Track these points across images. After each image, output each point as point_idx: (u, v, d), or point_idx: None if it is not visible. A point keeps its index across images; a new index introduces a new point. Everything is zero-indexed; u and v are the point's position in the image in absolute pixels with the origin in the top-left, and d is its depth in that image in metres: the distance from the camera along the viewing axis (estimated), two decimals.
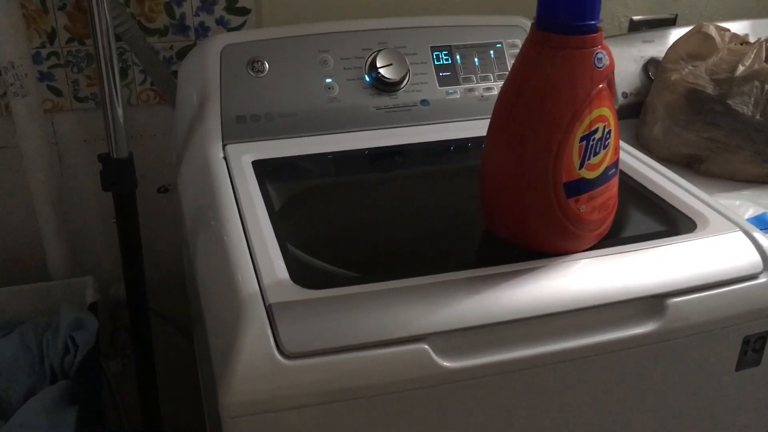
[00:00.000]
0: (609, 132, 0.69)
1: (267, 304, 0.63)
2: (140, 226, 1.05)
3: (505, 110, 0.69)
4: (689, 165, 1.05)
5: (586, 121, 0.67)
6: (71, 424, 0.86)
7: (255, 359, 0.60)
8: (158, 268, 1.25)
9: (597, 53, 0.66)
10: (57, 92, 1.13)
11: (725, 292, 0.72)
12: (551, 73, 0.66)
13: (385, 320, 0.63)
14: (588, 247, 0.72)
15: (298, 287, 0.66)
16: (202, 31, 1.15)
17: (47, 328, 0.99)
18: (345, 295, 0.65)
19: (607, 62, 0.67)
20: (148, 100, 1.17)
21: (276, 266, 0.68)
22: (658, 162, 0.92)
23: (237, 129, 0.94)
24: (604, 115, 0.68)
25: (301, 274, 0.68)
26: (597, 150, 0.69)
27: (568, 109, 0.66)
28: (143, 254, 1.08)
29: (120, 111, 0.91)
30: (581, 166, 0.68)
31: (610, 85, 0.69)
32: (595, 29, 0.66)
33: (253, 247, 0.71)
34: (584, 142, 0.67)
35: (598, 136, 0.68)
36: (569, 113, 0.66)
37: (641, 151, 1.00)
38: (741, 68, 1.01)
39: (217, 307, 0.69)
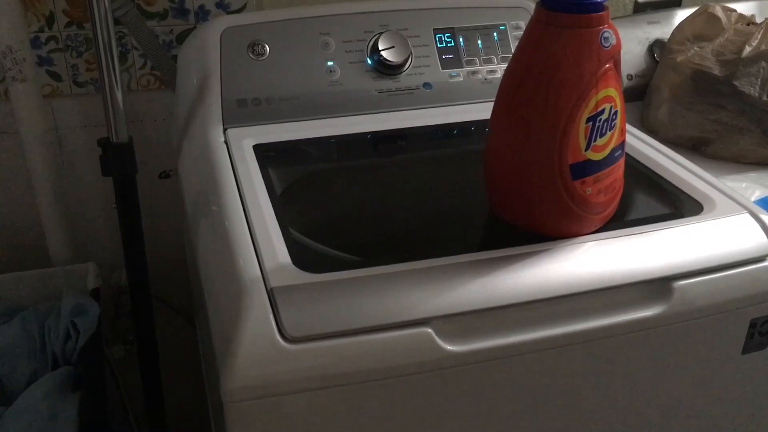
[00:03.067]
0: (615, 113, 0.68)
1: (269, 288, 0.63)
2: (141, 212, 1.04)
3: (509, 91, 0.68)
4: (695, 147, 1.03)
5: (593, 102, 0.65)
6: (73, 409, 0.86)
7: (257, 343, 0.60)
8: (160, 253, 1.24)
9: (603, 32, 0.65)
10: (56, 77, 1.12)
11: (732, 274, 0.71)
12: (557, 52, 0.64)
13: (387, 304, 0.63)
14: (594, 229, 0.72)
15: (300, 271, 0.65)
16: (202, 15, 1.13)
17: (49, 314, 0.99)
18: (347, 278, 0.64)
19: (614, 41, 0.66)
20: (148, 84, 1.16)
21: (278, 250, 0.68)
22: (664, 145, 0.91)
23: (238, 113, 0.93)
24: (611, 95, 0.67)
25: (302, 258, 0.67)
26: (603, 131, 0.68)
27: (574, 89, 0.65)
28: (145, 240, 1.07)
29: (119, 95, 0.90)
30: (587, 147, 0.67)
31: (617, 65, 0.68)
32: (602, 7, 0.65)
33: (254, 231, 0.70)
34: (590, 123, 0.66)
35: (604, 117, 0.67)
36: (575, 94, 0.65)
37: (646, 133, 0.99)
38: (747, 49, 1.00)
39: (218, 292, 0.69)
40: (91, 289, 1.06)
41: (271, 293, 0.62)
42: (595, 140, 0.67)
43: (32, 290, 1.07)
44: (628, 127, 0.89)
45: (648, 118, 1.09)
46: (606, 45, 0.65)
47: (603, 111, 0.67)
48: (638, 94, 1.13)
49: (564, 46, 0.64)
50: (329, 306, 0.62)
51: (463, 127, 0.98)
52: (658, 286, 0.69)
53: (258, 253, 0.67)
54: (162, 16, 1.11)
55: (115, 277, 1.21)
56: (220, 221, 0.74)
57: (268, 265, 0.66)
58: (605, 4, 0.65)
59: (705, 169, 0.86)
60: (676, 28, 1.10)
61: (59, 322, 0.95)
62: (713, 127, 1.00)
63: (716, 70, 1.00)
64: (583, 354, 0.68)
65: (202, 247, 0.77)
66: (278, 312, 0.61)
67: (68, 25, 1.09)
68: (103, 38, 0.86)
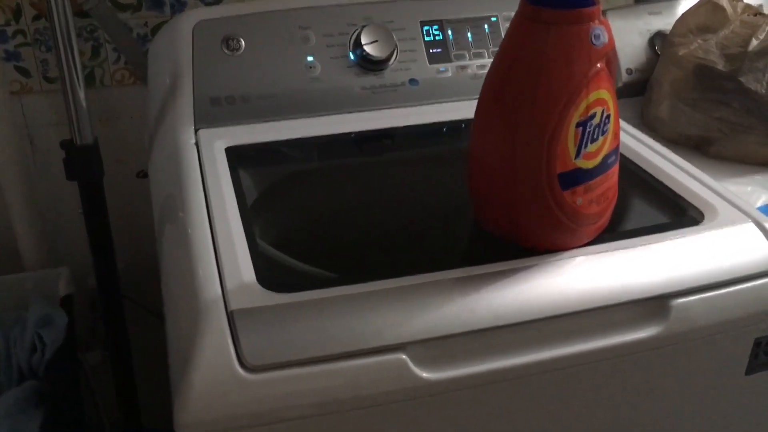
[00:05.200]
0: (608, 117, 0.63)
1: (228, 311, 0.58)
2: (120, 212, 1.00)
3: (492, 94, 0.63)
4: (698, 147, 0.98)
5: (583, 105, 0.60)
6: (35, 427, 0.81)
7: (213, 373, 0.55)
8: (139, 254, 1.19)
9: (594, 29, 0.59)
10: (25, 73, 1.06)
11: (735, 291, 0.66)
12: (543, 51, 0.59)
13: (358, 328, 0.57)
14: (585, 242, 0.66)
15: (265, 291, 0.60)
16: (179, 6, 1.08)
17: (15, 325, 0.94)
18: (315, 299, 0.59)
19: (606, 39, 0.60)
20: (122, 79, 1.10)
21: (242, 267, 0.62)
22: (664, 144, 0.86)
23: (211, 112, 0.88)
24: (603, 98, 0.62)
25: (268, 276, 0.62)
26: (595, 137, 0.62)
27: (562, 91, 0.59)
28: (124, 241, 1.02)
29: (82, 94, 0.85)
30: (577, 154, 0.61)
31: (610, 64, 0.62)
32: (592, 2, 0.59)
33: (218, 245, 0.65)
34: (580, 129, 0.61)
35: (595, 121, 0.62)
36: (564, 97, 0.59)
37: (646, 131, 0.93)
38: (754, 42, 0.94)
39: (177, 311, 0.64)
40: (63, 296, 1.01)
41: (231, 316, 0.57)
42: (585, 147, 0.62)
43: (2, 296, 1.02)
44: (623, 124, 0.84)
45: (648, 115, 1.03)
46: (597, 43, 0.59)
47: (594, 115, 0.61)
48: (638, 89, 1.07)
49: (551, 45, 0.59)
50: (294, 331, 0.57)
51: (452, 127, 0.92)
52: (655, 305, 0.63)
53: (220, 269, 0.62)
54: (135, 7, 1.06)
55: (92, 281, 1.16)
56: (183, 232, 0.69)
57: (229, 283, 0.60)
58: None
59: (708, 170, 0.80)
60: (678, 20, 1.04)
61: (24, 334, 0.90)
62: (717, 125, 0.94)
63: (720, 65, 0.94)
64: (573, 380, 0.63)
65: (166, 258, 0.72)
66: (238, 338, 0.56)
67: (36, 18, 1.03)
68: (61, 31, 0.80)
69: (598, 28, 0.59)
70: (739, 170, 0.92)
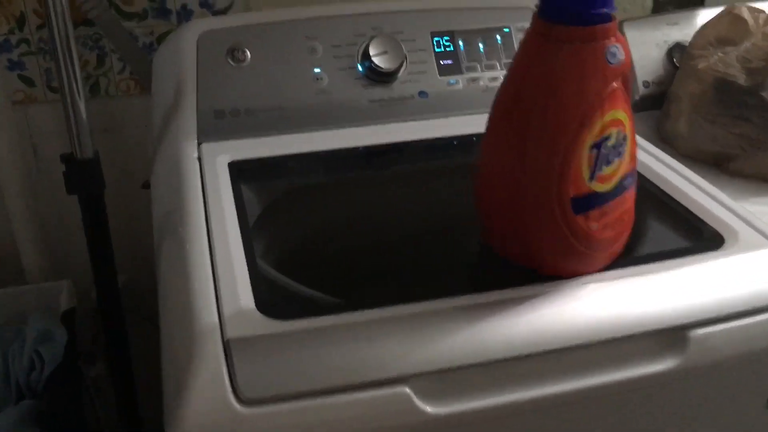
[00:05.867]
0: (624, 138, 0.60)
1: (225, 339, 0.55)
2: (124, 222, 0.98)
3: (503, 113, 0.60)
4: (716, 163, 0.94)
5: (597, 126, 0.57)
6: None
7: (207, 406, 0.52)
8: (146, 266, 1.17)
9: (610, 47, 0.56)
10: (29, 82, 1.05)
11: (757, 322, 0.62)
12: (556, 70, 0.56)
13: (359, 359, 0.55)
14: (599, 268, 0.63)
15: (263, 317, 0.57)
16: (185, 15, 1.06)
17: (14, 340, 0.92)
18: (315, 327, 0.57)
19: (622, 57, 0.57)
20: (128, 89, 1.08)
21: (240, 291, 0.60)
22: (682, 160, 0.82)
23: (215, 125, 0.86)
24: (619, 118, 0.59)
25: (268, 301, 0.59)
26: (610, 159, 0.59)
27: (576, 112, 0.56)
28: (128, 251, 1.00)
29: (82, 105, 0.83)
30: (591, 177, 0.58)
31: (626, 83, 0.59)
32: (608, 18, 0.56)
33: (216, 266, 0.63)
34: (595, 151, 0.58)
35: (611, 143, 0.59)
36: (577, 117, 0.56)
37: (662, 146, 0.90)
38: None
39: (172, 336, 0.61)
40: (65, 310, 0.99)
41: (227, 345, 0.55)
42: (600, 170, 0.59)
43: (1, 310, 1.01)
44: (639, 140, 0.80)
45: (665, 130, 1.00)
46: (613, 61, 0.56)
47: (610, 136, 0.58)
48: (656, 102, 1.04)
49: (563, 63, 0.56)
50: (292, 361, 0.54)
51: (463, 141, 0.89)
52: (673, 336, 0.60)
53: (218, 293, 0.60)
54: (141, 16, 1.04)
55: (95, 293, 1.14)
56: (180, 252, 0.66)
57: (227, 309, 0.58)
58: (612, 14, 0.56)
59: (727, 187, 0.77)
60: (697, 31, 1.01)
61: (23, 350, 0.88)
62: (737, 141, 0.91)
63: (742, 79, 0.91)
64: (585, 414, 0.60)
65: (163, 277, 0.70)
66: (234, 368, 0.53)
67: (40, 27, 1.01)
68: (61, 42, 0.78)
69: (614, 46, 0.56)
70: (761, 189, 0.89)
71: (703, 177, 0.79)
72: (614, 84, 0.57)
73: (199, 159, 0.81)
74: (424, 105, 0.91)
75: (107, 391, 1.14)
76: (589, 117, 0.56)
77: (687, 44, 1.03)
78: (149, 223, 1.15)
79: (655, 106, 1.04)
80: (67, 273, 1.07)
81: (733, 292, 0.63)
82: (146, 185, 1.13)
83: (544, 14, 0.56)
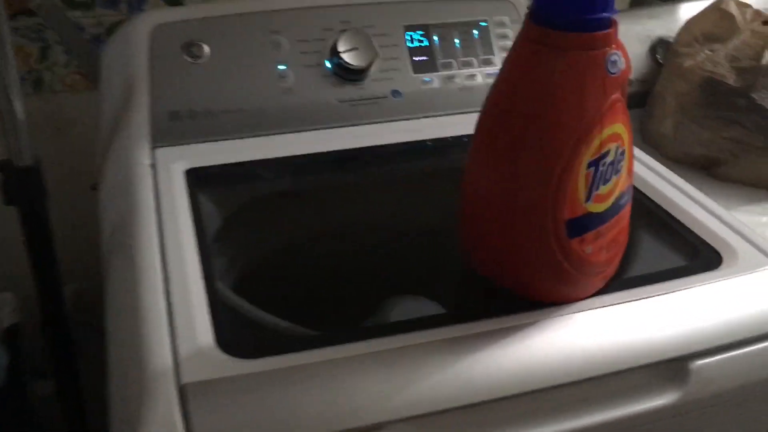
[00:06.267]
0: (623, 153, 0.55)
1: (180, 384, 0.49)
2: (73, 226, 0.90)
3: (493, 126, 0.54)
4: (705, 167, 0.90)
5: (596, 143, 0.52)
6: None
7: None
8: (98, 274, 1.09)
9: (611, 55, 0.51)
10: None
11: (761, 349, 0.58)
12: (552, 81, 0.50)
13: (331, 404, 0.49)
14: (592, 292, 0.58)
15: (224, 356, 0.51)
16: (137, 4, 0.98)
17: None
18: (282, 368, 0.50)
19: (623, 66, 0.52)
20: (75, 84, 1.00)
21: (198, 325, 0.54)
22: (668, 164, 0.78)
23: (170, 128, 0.79)
24: (618, 132, 0.53)
25: (230, 336, 0.53)
26: (607, 177, 0.54)
27: (573, 128, 0.51)
28: (78, 257, 0.93)
29: (19, 107, 0.74)
30: (588, 198, 0.53)
31: (625, 92, 0.54)
32: (609, 23, 0.51)
33: (171, 294, 0.56)
34: (592, 169, 0.52)
35: (609, 159, 0.53)
36: (575, 134, 0.51)
37: (647, 149, 0.86)
38: (767, 56, 0.86)
39: (120, 374, 0.55)
40: (8, 326, 0.91)
41: (183, 390, 0.48)
42: (597, 188, 0.53)
43: None
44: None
45: (650, 131, 0.95)
46: (613, 71, 0.51)
47: (608, 152, 0.53)
48: (638, 100, 0.99)
49: (561, 74, 0.50)
50: (256, 409, 0.48)
51: (439, 145, 0.83)
52: (672, 368, 0.56)
53: (173, 327, 0.53)
54: (89, 5, 0.96)
55: None
56: (131, 277, 0.59)
57: (183, 347, 0.52)
58: (613, 18, 0.51)
59: (716, 193, 0.73)
60: (682, 27, 0.96)
61: None
62: (726, 145, 0.87)
63: (731, 80, 0.86)
64: None
65: (111, 305, 0.63)
66: (190, 416, 0.47)
67: None
68: None
69: (614, 54, 0.51)
70: (752, 195, 0.85)
71: (690, 182, 0.75)
72: (614, 95, 0.52)
73: (153, 165, 0.74)
74: (398, 105, 0.85)
75: (58, 408, 1.07)
76: (588, 133, 0.51)
77: (671, 40, 0.98)
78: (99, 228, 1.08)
79: (637, 105, 0.99)
80: (10, 286, 0.99)
81: (735, 318, 0.59)
82: (95, 186, 1.05)
83: (539, 19, 0.50)
